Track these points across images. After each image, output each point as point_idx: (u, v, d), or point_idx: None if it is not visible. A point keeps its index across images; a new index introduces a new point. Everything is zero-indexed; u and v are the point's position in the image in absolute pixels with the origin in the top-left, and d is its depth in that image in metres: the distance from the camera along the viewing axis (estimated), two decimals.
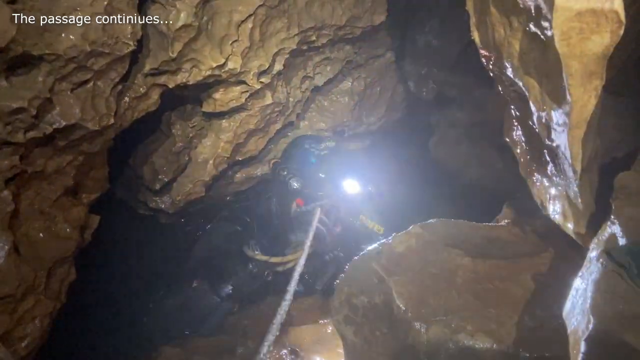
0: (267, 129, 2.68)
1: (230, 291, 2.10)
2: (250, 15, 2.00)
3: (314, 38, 2.42)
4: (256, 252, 2.25)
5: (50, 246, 1.63)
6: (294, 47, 2.30)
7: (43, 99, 1.38)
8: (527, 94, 1.19)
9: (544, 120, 1.17)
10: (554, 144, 1.17)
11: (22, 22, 1.27)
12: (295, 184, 2.52)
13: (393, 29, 3.25)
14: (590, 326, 0.91)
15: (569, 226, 1.30)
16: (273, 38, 2.19)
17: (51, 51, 1.36)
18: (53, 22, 1.34)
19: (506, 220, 1.97)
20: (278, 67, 2.32)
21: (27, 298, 1.49)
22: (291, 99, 2.69)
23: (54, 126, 1.47)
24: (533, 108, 1.18)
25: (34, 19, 1.30)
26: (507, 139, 2.04)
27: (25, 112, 1.34)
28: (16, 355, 1.45)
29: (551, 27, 0.96)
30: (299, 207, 2.41)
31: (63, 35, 1.37)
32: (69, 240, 1.71)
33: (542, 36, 1.05)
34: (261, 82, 2.27)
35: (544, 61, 1.10)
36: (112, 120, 1.66)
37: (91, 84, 1.55)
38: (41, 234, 1.62)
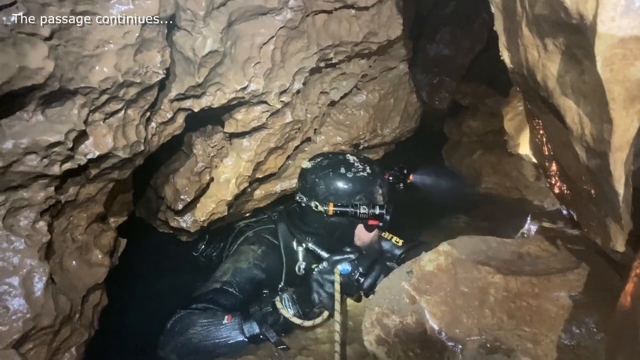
0: (286, 146, 2.69)
1: (256, 334, 2.01)
2: (271, 37, 2.02)
3: (331, 55, 2.44)
4: (290, 311, 2.00)
5: (84, 274, 1.64)
6: (313, 65, 2.32)
7: (79, 132, 1.40)
8: (563, 114, 1.19)
9: (581, 140, 1.17)
10: (593, 165, 1.17)
11: (58, 57, 1.28)
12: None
13: (405, 40, 3.26)
14: None
15: (608, 245, 1.29)
16: (293, 58, 2.21)
17: (86, 84, 1.38)
18: (87, 54, 1.36)
19: (534, 234, 1.96)
20: (298, 85, 2.34)
21: (64, 328, 1.50)
22: (309, 115, 2.70)
23: (88, 157, 1.48)
24: (571, 129, 1.18)
25: (69, 53, 1.32)
26: (531, 152, 2.04)
27: (62, 145, 1.36)
28: None
29: (592, 53, 0.97)
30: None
31: (97, 67, 1.39)
32: (101, 266, 1.73)
33: (580, 59, 1.06)
34: (282, 102, 2.29)
35: (582, 83, 1.10)
36: (142, 147, 1.67)
37: (122, 113, 1.57)
38: (74, 262, 1.63)
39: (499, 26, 1.39)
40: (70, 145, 1.38)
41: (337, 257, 2.12)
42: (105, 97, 1.47)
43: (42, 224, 1.47)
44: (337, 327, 1.77)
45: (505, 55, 1.39)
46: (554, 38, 1.11)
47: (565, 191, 1.65)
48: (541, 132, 1.72)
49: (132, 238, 2.26)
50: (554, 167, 1.69)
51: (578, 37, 1.04)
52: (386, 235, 2.76)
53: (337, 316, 1.83)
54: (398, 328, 1.66)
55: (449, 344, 1.53)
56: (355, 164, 2.33)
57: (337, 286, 1.94)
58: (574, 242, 1.74)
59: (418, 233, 3.56)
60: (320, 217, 2.30)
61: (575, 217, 1.63)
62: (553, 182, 1.75)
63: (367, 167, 2.33)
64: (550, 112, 1.40)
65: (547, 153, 1.72)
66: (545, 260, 1.74)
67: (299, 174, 2.45)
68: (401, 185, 3.18)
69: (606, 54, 0.94)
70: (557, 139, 1.50)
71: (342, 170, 2.29)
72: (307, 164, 2.41)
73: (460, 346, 1.52)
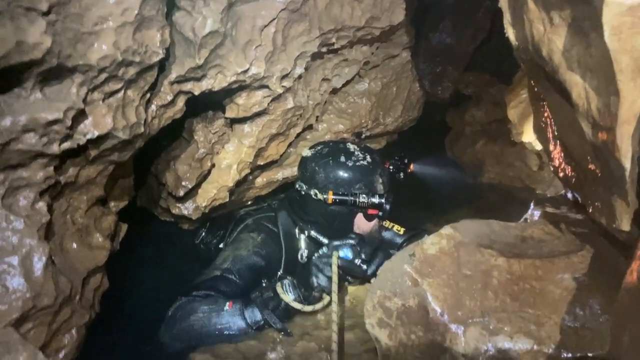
0: (288, 133, 2.68)
1: (258, 320, 2.01)
2: (273, 20, 2.00)
3: (333, 40, 2.41)
4: (290, 296, 1.99)
5: (84, 256, 1.63)
6: (315, 50, 2.30)
7: (77, 110, 1.39)
8: (569, 90, 1.17)
9: (587, 116, 1.15)
10: (599, 141, 1.15)
11: (56, 33, 1.27)
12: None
13: (408, 27, 3.23)
14: None
15: (613, 225, 1.27)
16: (294, 42, 2.19)
17: (84, 62, 1.36)
18: (86, 31, 1.34)
19: (537, 219, 1.94)
20: (299, 70, 2.32)
21: (64, 309, 1.49)
22: (310, 102, 2.68)
23: (87, 137, 1.47)
24: (576, 104, 1.16)
25: (67, 29, 1.30)
26: (536, 136, 2.02)
27: (61, 123, 1.35)
28: None
29: (599, 22, 0.95)
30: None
31: (96, 45, 1.38)
32: (101, 249, 1.72)
33: (587, 31, 1.04)
34: (283, 86, 2.27)
35: (588, 56, 1.08)
36: (142, 129, 1.66)
37: (121, 93, 1.55)
38: (74, 245, 1.62)
39: (503, 3, 1.37)
40: (69, 123, 1.37)
41: (337, 243, 2.12)
42: (104, 75, 1.45)
43: (41, 204, 1.45)
44: (335, 307, 1.76)
45: (510, 32, 1.37)
46: (561, 10, 1.09)
47: (570, 173, 1.63)
48: (546, 114, 1.70)
49: (134, 227, 2.26)
50: (558, 149, 1.67)
51: (585, 8, 1.02)
52: (387, 224, 2.75)
53: (335, 297, 1.82)
54: (400, 311, 1.65)
55: (452, 326, 1.52)
56: (356, 153, 2.32)
57: (335, 268, 1.94)
58: (578, 225, 1.72)
59: (420, 222, 3.55)
60: (320, 205, 2.29)
61: (579, 199, 1.62)
62: (557, 164, 1.73)
63: (368, 156, 2.32)
64: (555, 91, 1.38)
65: (551, 135, 1.71)
66: (548, 243, 1.72)
67: (299, 162, 2.44)
68: (401, 174, 3.17)
69: (614, 23, 0.92)
70: (562, 119, 1.48)
71: (342, 158, 2.28)
72: (307, 152, 2.40)
73: (462, 328, 1.51)
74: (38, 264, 1.40)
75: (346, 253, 2.08)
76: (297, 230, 2.41)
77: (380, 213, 2.29)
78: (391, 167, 3.11)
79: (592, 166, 1.35)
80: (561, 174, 1.72)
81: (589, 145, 1.28)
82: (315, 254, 2.12)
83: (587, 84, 1.11)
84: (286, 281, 2.04)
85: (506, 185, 3.95)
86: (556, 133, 1.59)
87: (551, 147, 1.75)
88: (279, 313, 1.99)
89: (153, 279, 2.75)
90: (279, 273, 2.37)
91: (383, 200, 2.23)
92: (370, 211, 2.29)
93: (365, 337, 2.00)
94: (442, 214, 3.91)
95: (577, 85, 1.14)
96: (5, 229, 1.37)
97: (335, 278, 1.91)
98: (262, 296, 2.01)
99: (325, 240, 2.24)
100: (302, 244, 2.39)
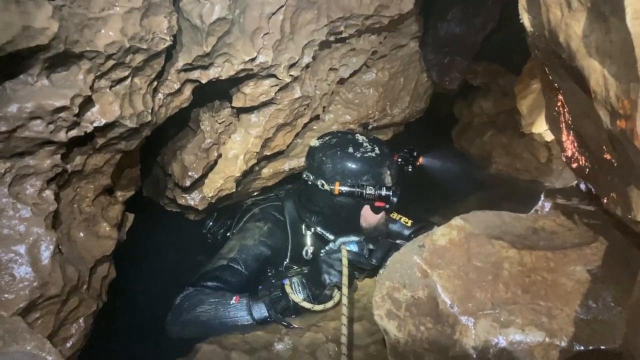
0: (295, 123, 2.65)
1: (265, 317, 2.00)
2: (281, 7, 1.97)
3: (342, 29, 2.38)
4: (299, 296, 1.97)
5: (92, 245, 1.62)
6: (323, 38, 2.27)
7: (84, 97, 1.37)
8: (586, 77, 1.15)
9: (605, 104, 1.12)
10: (617, 129, 1.12)
11: (62, 18, 1.25)
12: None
13: (416, 16, 3.19)
14: None
15: (629, 215, 1.25)
16: (303, 30, 2.16)
17: (91, 48, 1.34)
18: (93, 17, 1.32)
19: (548, 210, 1.92)
20: (307, 59, 2.29)
21: (72, 298, 1.49)
22: (318, 92, 2.65)
23: (94, 124, 1.46)
24: (594, 92, 1.13)
25: (74, 15, 1.28)
26: (548, 125, 1.98)
27: (68, 110, 1.33)
28: (62, 356, 1.44)
29: (621, 6, 0.92)
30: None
31: (102, 31, 1.36)
32: (108, 239, 1.71)
33: (607, 16, 1.01)
34: (291, 76, 2.24)
35: (608, 42, 1.05)
36: (149, 118, 1.64)
37: (129, 80, 1.54)
38: (82, 234, 1.61)
39: None
40: (76, 110, 1.35)
41: (344, 239, 2.10)
42: (111, 62, 1.43)
43: (48, 193, 1.44)
44: (345, 300, 1.75)
45: (525, 18, 1.34)
46: None
47: (584, 164, 1.60)
48: (559, 103, 1.67)
49: (141, 217, 2.25)
50: (572, 139, 1.64)
51: None
52: (395, 215, 2.73)
53: (345, 290, 1.81)
54: (409, 302, 1.63)
55: (462, 318, 1.50)
56: (364, 144, 2.29)
57: (345, 261, 1.93)
58: (590, 217, 1.69)
59: (427, 215, 3.53)
60: (326, 196, 2.27)
61: (593, 190, 1.59)
62: (570, 155, 1.70)
63: (376, 148, 2.29)
64: (571, 79, 1.35)
65: (565, 125, 1.68)
66: (560, 235, 1.70)
67: (307, 152, 2.41)
68: (410, 167, 3.14)
69: (636, 6, 0.89)
70: (577, 107, 1.45)
71: (350, 149, 2.25)
72: (315, 142, 2.37)
73: (473, 320, 1.49)
74: (45, 253, 1.39)
75: (353, 248, 2.07)
76: (303, 227, 2.40)
77: (387, 206, 2.26)
78: (400, 160, 3.08)
79: (607, 156, 1.32)
80: (574, 165, 1.69)
81: (605, 134, 1.25)
82: (322, 251, 2.10)
83: (606, 70, 1.08)
84: (295, 280, 2.03)
85: (514, 177, 3.91)
86: (570, 122, 1.56)
87: (564, 137, 1.72)
88: (287, 313, 1.99)
89: (160, 268, 2.76)
90: (285, 262, 2.36)
91: (390, 193, 2.20)
92: (377, 203, 2.27)
93: (372, 328, 1.98)
94: (449, 205, 3.89)
95: (596, 71, 1.11)
96: (12, 217, 1.36)
97: (345, 271, 1.89)
98: (270, 295, 2.00)
99: (331, 237, 2.22)
100: (308, 240, 2.38)
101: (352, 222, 2.32)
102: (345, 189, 2.20)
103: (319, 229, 2.30)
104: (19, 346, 1.14)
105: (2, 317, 1.19)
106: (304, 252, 2.36)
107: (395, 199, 2.21)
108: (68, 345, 1.51)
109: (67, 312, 1.49)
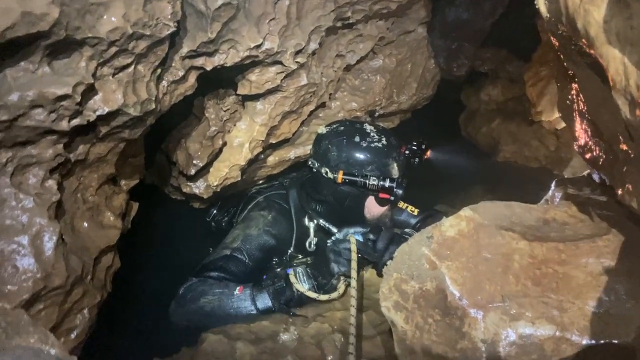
0: (301, 111, 2.62)
1: (269, 307, 2.00)
2: None
3: (349, 14, 2.33)
4: (304, 285, 1.95)
5: (96, 235, 1.60)
6: (330, 24, 2.22)
7: (87, 85, 1.34)
8: (605, 65, 1.10)
9: (625, 93, 1.08)
10: (637, 119, 1.08)
11: (63, 4, 1.21)
12: None
13: (425, 1, 3.12)
14: None
15: None
16: (309, 15, 2.11)
17: (93, 34, 1.31)
18: (95, 2, 1.28)
19: (559, 201, 1.88)
20: (313, 45, 2.25)
21: (76, 289, 1.47)
22: (324, 79, 2.61)
23: (97, 113, 1.43)
24: (613, 80, 1.09)
25: (75, 0, 1.24)
26: (560, 114, 1.94)
27: (70, 99, 1.30)
28: (66, 348, 1.43)
29: None
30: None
31: (105, 17, 1.32)
32: (112, 228, 1.69)
33: (629, 1, 0.96)
34: (297, 62, 2.20)
35: (629, 29, 1.01)
36: (153, 106, 1.61)
37: (132, 68, 1.50)
38: (85, 224, 1.59)
39: None
40: (78, 99, 1.32)
41: (348, 229, 2.09)
42: (114, 49, 1.40)
43: (51, 183, 1.42)
44: (354, 292, 1.73)
45: (540, 4, 1.29)
46: None
47: (598, 154, 1.56)
48: (573, 91, 1.63)
49: (145, 205, 2.23)
50: (585, 128, 1.60)
51: None
52: (401, 204, 2.71)
53: (354, 282, 1.79)
54: (417, 294, 1.61)
55: (471, 310, 1.48)
56: (371, 134, 2.25)
57: (354, 247, 1.91)
58: (603, 208, 1.66)
59: (432, 202, 3.50)
60: (330, 184, 2.24)
61: (607, 180, 1.55)
62: (583, 144, 1.66)
63: (383, 138, 2.25)
64: (588, 67, 1.30)
65: (578, 114, 1.63)
66: (572, 226, 1.66)
67: (314, 139, 2.38)
68: (417, 160, 3.10)
69: None
70: (593, 96, 1.41)
71: (357, 138, 2.22)
72: (322, 130, 2.34)
73: (482, 313, 1.47)
74: (49, 244, 1.37)
75: (357, 237, 2.05)
76: (306, 219, 2.39)
77: (392, 198, 2.23)
78: (407, 152, 3.05)
79: (624, 146, 1.28)
80: (587, 155, 1.65)
81: (622, 124, 1.21)
82: (329, 242, 2.08)
83: (627, 58, 1.04)
84: (300, 270, 2.01)
85: (522, 165, 3.86)
86: (584, 111, 1.52)
87: (577, 126, 1.67)
88: (292, 304, 1.98)
89: (164, 256, 2.75)
90: (290, 251, 2.35)
91: (394, 185, 2.17)
92: (382, 195, 2.24)
93: (379, 319, 1.97)
94: (456, 193, 3.85)
95: (615, 59, 1.07)
96: (14, 208, 1.34)
97: (354, 256, 1.87)
98: (273, 285, 1.99)
99: (334, 229, 2.21)
100: (312, 232, 2.36)
101: (355, 213, 2.30)
102: (348, 177, 2.17)
103: (322, 221, 2.28)
104: (21, 339, 1.12)
105: (5, 309, 1.17)
106: (307, 244, 2.35)
107: (399, 192, 2.18)
108: (72, 336, 1.50)
109: (71, 303, 1.47)
